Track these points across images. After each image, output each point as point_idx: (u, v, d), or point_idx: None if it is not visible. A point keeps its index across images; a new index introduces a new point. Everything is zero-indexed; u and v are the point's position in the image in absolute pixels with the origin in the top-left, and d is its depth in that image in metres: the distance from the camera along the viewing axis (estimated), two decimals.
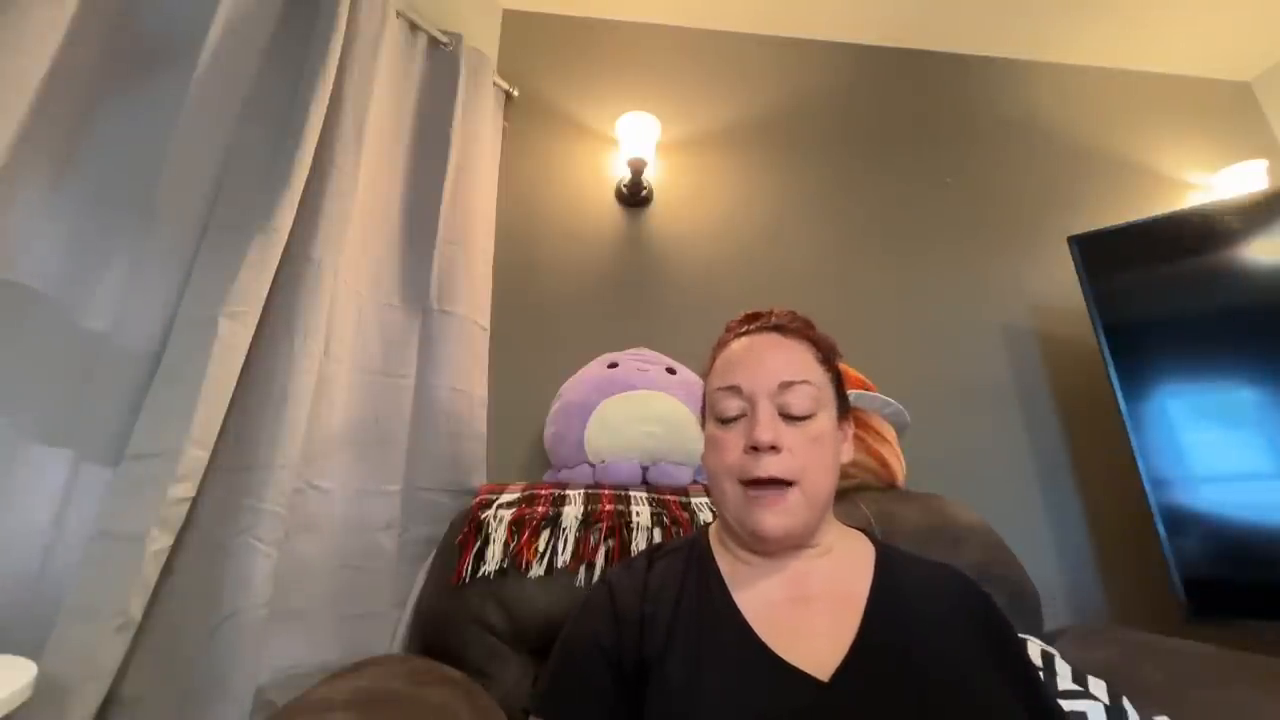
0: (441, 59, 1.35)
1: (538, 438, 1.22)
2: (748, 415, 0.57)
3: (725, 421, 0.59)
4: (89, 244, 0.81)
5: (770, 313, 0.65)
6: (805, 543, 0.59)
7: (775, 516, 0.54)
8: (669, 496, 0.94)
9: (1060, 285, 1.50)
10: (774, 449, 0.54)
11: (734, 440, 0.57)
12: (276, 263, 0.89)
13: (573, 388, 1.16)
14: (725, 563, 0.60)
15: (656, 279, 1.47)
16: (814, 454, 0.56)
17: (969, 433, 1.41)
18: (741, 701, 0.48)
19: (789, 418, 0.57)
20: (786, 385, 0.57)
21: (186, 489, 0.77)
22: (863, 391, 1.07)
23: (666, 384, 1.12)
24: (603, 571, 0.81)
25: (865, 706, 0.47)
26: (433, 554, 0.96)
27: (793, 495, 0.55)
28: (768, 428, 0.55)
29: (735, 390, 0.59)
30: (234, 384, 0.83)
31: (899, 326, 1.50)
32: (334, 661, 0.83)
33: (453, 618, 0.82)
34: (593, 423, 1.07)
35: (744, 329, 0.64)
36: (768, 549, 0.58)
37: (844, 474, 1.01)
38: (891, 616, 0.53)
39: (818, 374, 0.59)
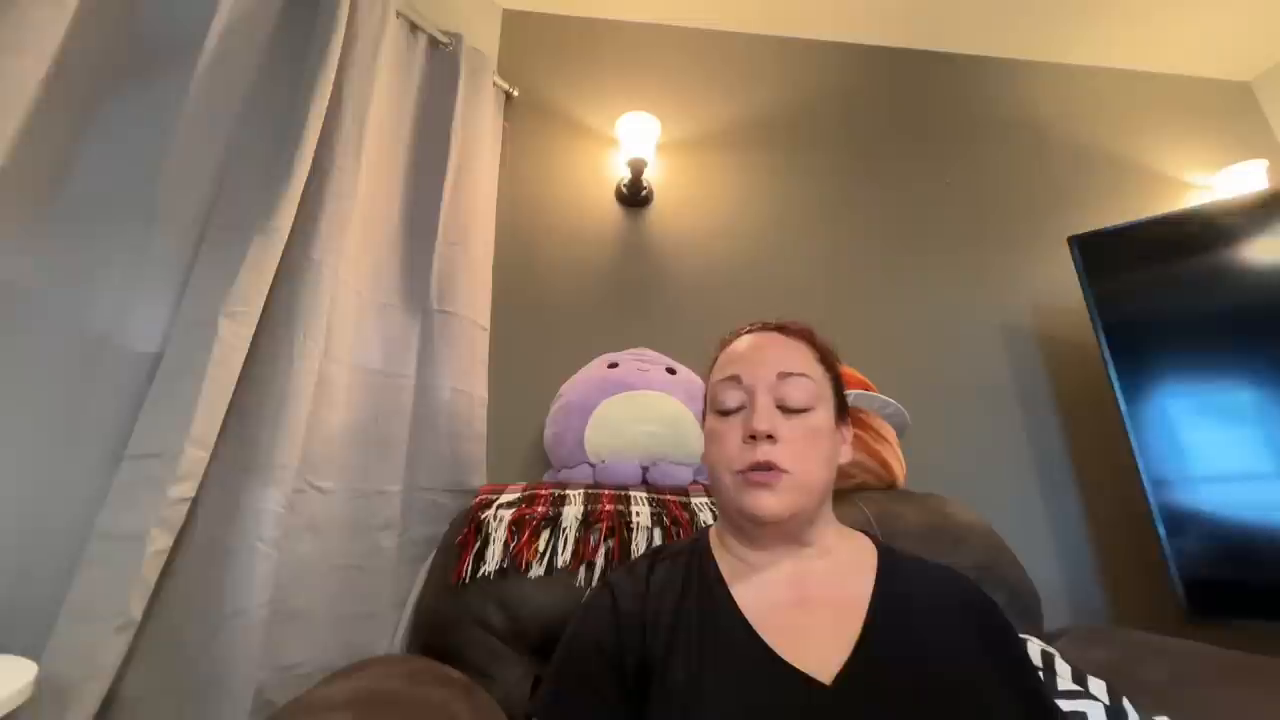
0: (441, 59, 1.35)
1: (538, 438, 1.22)
2: (746, 407, 0.59)
3: (725, 414, 0.60)
4: (89, 244, 0.80)
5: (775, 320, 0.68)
6: (801, 536, 0.59)
7: (769, 496, 0.55)
8: (669, 496, 0.94)
9: (1060, 285, 1.50)
10: (770, 438, 0.56)
11: (732, 432, 0.59)
12: (276, 263, 0.89)
13: (573, 388, 1.16)
14: (726, 564, 0.60)
15: (656, 279, 1.47)
16: (810, 445, 0.57)
17: (969, 433, 1.41)
18: (744, 703, 0.48)
19: (787, 410, 0.58)
20: (785, 375, 0.59)
21: (186, 489, 0.77)
22: (863, 391, 1.07)
23: (666, 384, 1.11)
24: (603, 571, 0.81)
25: (867, 709, 0.47)
26: (433, 554, 0.96)
27: (786, 479, 0.56)
28: (764, 417, 0.57)
29: (735, 381, 0.60)
30: (234, 384, 0.83)
31: (899, 326, 1.49)
32: (334, 661, 0.83)
33: (453, 618, 0.82)
34: (593, 423, 1.07)
35: (747, 329, 0.67)
36: (763, 534, 0.59)
37: (844, 474, 1.02)
38: (894, 618, 0.53)
39: (816, 371, 0.61)
